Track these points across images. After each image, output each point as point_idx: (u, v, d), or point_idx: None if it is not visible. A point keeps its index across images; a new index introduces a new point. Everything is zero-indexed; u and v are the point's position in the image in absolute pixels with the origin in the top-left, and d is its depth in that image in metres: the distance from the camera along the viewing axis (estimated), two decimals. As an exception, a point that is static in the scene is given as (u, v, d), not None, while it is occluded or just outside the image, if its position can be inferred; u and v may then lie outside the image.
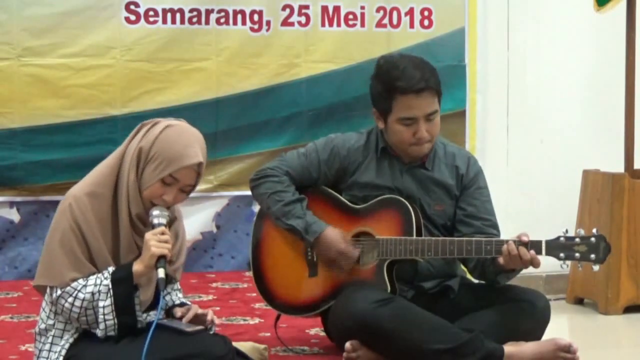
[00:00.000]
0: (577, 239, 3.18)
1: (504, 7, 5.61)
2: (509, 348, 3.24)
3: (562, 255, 3.17)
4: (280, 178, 3.47)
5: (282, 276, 3.52)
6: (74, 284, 2.74)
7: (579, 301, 5.15)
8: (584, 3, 5.21)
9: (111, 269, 2.76)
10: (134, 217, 2.80)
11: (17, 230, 5.10)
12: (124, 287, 2.73)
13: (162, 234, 2.75)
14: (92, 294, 2.72)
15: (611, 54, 5.38)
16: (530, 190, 5.64)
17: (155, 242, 2.73)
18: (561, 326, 4.64)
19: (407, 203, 3.38)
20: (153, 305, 2.86)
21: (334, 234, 3.39)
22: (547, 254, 3.18)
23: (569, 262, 3.19)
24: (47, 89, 5.07)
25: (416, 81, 3.30)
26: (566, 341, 3.26)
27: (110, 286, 2.72)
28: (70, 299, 2.73)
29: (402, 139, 3.39)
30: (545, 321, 3.37)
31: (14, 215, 5.10)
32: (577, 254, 3.17)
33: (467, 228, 3.43)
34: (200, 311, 2.89)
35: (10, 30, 5.00)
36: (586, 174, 5.12)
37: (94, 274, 2.76)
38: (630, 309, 4.88)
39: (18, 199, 5.08)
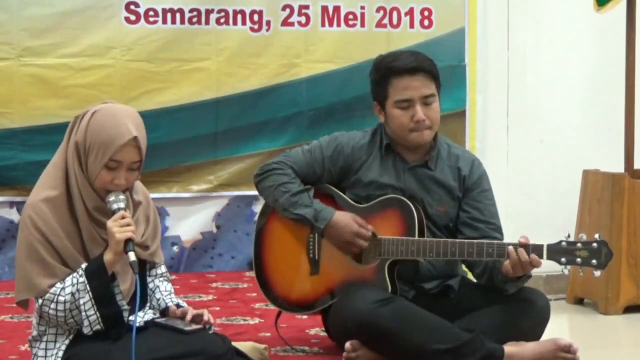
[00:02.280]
0: (579, 244, 3.16)
1: (504, 7, 5.61)
2: (509, 348, 3.24)
3: (563, 259, 3.17)
4: (285, 171, 3.48)
5: (283, 274, 3.52)
6: (53, 290, 2.73)
7: (579, 301, 5.15)
8: (584, 3, 5.21)
9: (84, 265, 2.75)
10: (91, 211, 2.79)
11: (17, 230, 5.03)
12: (99, 279, 2.72)
13: (123, 217, 2.74)
14: (72, 294, 2.71)
15: (611, 54, 5.38)
16: (530, 190, 5.64)
17: (117, 227, 2.72)
18: (561, 326, 4.64)
19: (410, 203, 3.37)
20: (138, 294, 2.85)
21: (345, 217, 3.38)
22: (549, 258, 3.18)
23: (570, 267, 3.18)
24: (47, 89, 5.07)
25: (409, 62, 3.37)
26: (566, 341, 3.26)
27: (86, 281, 2.72)
28: (52, 305, 2.73)
29: (400, 125, 3.39)
30: (545, 320, 3.37)
31: (14, 215, 5.10)
32: (578, 259, 3.16)
33: (472, 231, 3.43)
34: (195, 312, 2.88)
35: (10, 30, 5.00)
36: (586, 174, 5.12)
37: (69, 275, 2.75)
38: (630, 309, 4.88)
39: (18, 199, 5.07)
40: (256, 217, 3.64)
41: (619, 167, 4.98)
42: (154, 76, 5.19)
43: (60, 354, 2.77)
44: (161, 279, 3.00)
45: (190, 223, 5.33)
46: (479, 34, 5.58)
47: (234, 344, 2.91)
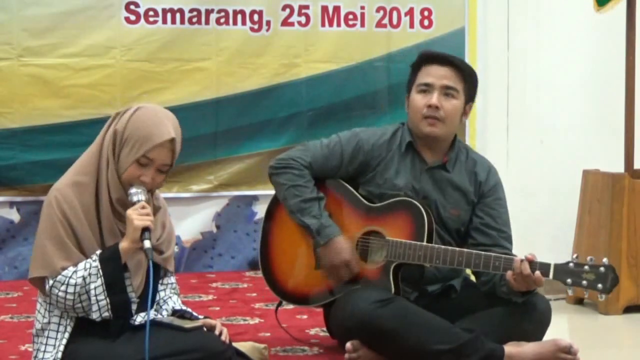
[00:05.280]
0: (586, 267, 3.15)
1: (504, 7, 5.61)
2: (509, 348, 3.24)
3: (569, 280, 3.16)
4: (301, 172, 3.46)
5: (289, 266, 3.52)
6: (65, 272, 2.75)
7: (579, 301, 5.14)
8: (584, 3, 5.20)
9: (99, 252, 2.78)
10: (114, 202, 2.82)
11: (17, 230, 5.10)
12: (113, 265, 2.75)
13: (143, 208, 2.78)
14: (84, 278, 2.73)
15: (611, 54, 5.38)
16: (530, 190, 5.63)
17: (136, 215, 2.76)
18: (561, 326, 4.63)
19: (421, 207, 3.35)
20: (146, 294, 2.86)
21: (344, 243, 3.38)
22: (555, 277, 3.17)
23: (574, 287, 3.18)
24: (47, 89, 5.07)
25: (444, 55, 3.46)
26: (567, 342, 3.26)
27: (99, 266, 2.74)
28: (62, 287, 2.74)
29: (415, 109, 3.43)
30: (546, 323, 3.37)
31: (14, 215, 5.10)
32: (584, 282, 3.15)
33: (483, 237, 3.43)
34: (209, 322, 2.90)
35: (10, 30, 5.01)
36: (586, 174, 5.12)
37: (82, 261, 2.77)
38: (630, 309, 4.87)
39: (18, 199, 5.08)
40: (260, 213, 3.62)
41: (619, 167, 4.98)
42: (154, 76, 5.20)
43: (62, 348, 2.78)
44: (173, 291, 3.01)
45: (190, 223, 5.34)
46: (479, 34, 5.59)
47: (234, 344, 2.92)
